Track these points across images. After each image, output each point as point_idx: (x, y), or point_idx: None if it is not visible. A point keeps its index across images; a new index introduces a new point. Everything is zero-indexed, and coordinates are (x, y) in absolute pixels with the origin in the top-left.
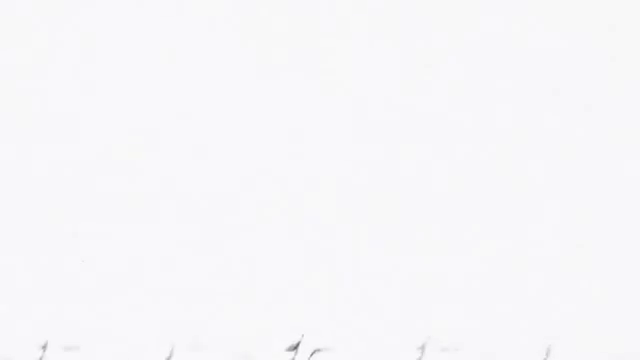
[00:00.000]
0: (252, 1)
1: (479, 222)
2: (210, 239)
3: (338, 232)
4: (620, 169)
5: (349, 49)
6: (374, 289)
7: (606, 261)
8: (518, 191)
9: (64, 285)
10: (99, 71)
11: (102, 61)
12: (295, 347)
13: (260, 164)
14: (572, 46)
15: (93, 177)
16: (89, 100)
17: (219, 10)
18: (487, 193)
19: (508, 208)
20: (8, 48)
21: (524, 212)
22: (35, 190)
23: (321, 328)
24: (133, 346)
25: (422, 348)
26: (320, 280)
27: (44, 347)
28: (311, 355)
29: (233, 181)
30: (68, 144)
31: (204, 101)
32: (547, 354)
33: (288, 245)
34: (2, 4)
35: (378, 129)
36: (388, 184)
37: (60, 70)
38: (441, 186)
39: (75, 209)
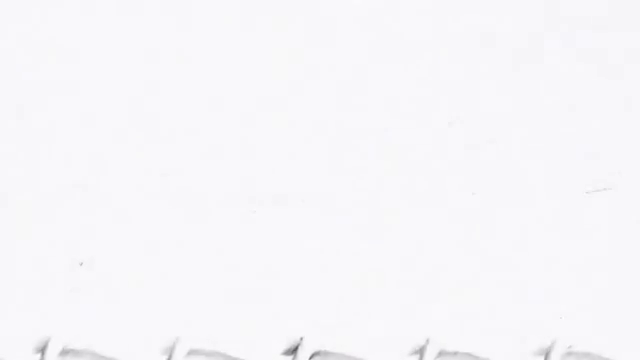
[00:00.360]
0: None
1: (479, 224)
2: (207, 241)
3: (336, 233)
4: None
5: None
6: (373, 292)
7: (604, 261)
8: (517, 193)
9: (62, 290)
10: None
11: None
12: (294, 350)
13: (256, 163)
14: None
15: (90, 177)
16: (83, 100)
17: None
18: (485, 195)
19: (507, 211)
20: (10, 42)
21: (523, 214)
22: (35, 190)
23: (320, 331)
24: (131, 352)
25: (421, 351)
26: (319, 283)
27: (42, 350)
28: (310, 358)
29: (230, 181)
30: (68, 145)
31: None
32: (546, 356)
33: (286, 247)
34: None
35: (382, 133)
36: (387, 184)
37: (60, 67)
38: (440, 186)
39: (73, 210)
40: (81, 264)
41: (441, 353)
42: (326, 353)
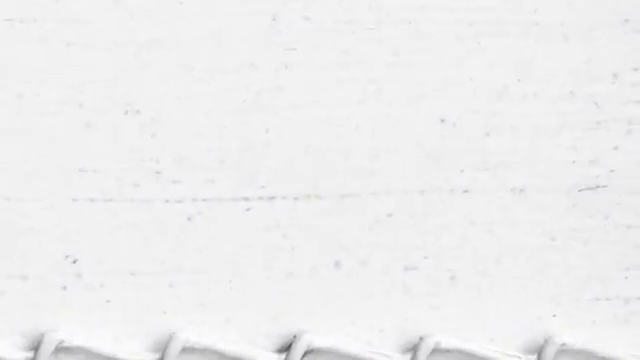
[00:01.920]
0: None
1: (472, 222)
2: (197, 236)
3: (326, 227)
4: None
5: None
6: (366, 289)
7: (596, 259)
8: (508, 191)
9: (55, 287)
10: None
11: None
12: (287, 348)
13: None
14: None
15: (84, 172)
16: (71, 89)
17: None
18: (476, 192)
19: (499, 208)
20: None
21: (515, 212)
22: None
23: (313, 329)
24: (125, 350)
25: (414, 349)
26: (312, 279)
27: (36, 348)
28: (303, 356)
29: (221, 177)
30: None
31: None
32: (540, 354)
33: (276, 243)
34: None
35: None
36: (382, 185)
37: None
38: (434, 185)
39: (66, 203)
40: (74, 261)
41: (434, 351)
42: (319, 351)
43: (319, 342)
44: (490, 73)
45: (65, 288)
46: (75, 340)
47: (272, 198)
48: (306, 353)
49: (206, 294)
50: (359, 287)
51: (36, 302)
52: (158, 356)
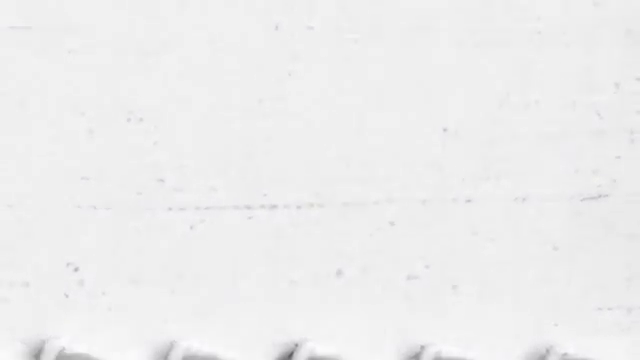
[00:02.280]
0: None
1: (474, 230)
2: (199, 244)
3: (328, 236)
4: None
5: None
6: (368, 297)
7: (598, 269)
8: (512, 199)
9: (55, 295)
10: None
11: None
12: (289, 357)
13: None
14: None
15: (86, 178)
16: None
17: None
18: (478, 201)
19: (502, 218)
20: None
21: (518, 221)
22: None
23: (315, 337)
24: (125, 358)
25: (415, 358)
26: (314, 287)
27: (37, 355)
28: None
29: (224, 185)
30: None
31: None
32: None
33: (278, 252)
34: None
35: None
36: (384, 193)
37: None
38: (436, 194)
39: (68, 211)
40: (76, 269)
41: (437, 357)
42: (321, 359)
43: (321, 350)
44: (492, 82)
45: (67, 296)
46: (77, 348)
47: (274, 206)
48: None
49: (208, 302)
50: (361, 295)
51: (38, 309)
52: None
